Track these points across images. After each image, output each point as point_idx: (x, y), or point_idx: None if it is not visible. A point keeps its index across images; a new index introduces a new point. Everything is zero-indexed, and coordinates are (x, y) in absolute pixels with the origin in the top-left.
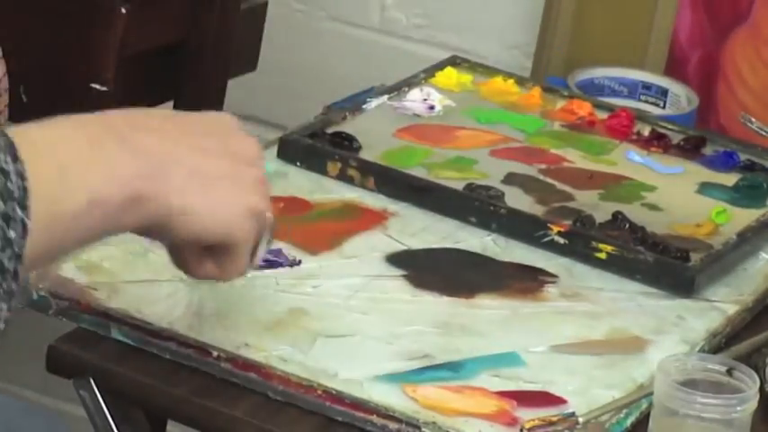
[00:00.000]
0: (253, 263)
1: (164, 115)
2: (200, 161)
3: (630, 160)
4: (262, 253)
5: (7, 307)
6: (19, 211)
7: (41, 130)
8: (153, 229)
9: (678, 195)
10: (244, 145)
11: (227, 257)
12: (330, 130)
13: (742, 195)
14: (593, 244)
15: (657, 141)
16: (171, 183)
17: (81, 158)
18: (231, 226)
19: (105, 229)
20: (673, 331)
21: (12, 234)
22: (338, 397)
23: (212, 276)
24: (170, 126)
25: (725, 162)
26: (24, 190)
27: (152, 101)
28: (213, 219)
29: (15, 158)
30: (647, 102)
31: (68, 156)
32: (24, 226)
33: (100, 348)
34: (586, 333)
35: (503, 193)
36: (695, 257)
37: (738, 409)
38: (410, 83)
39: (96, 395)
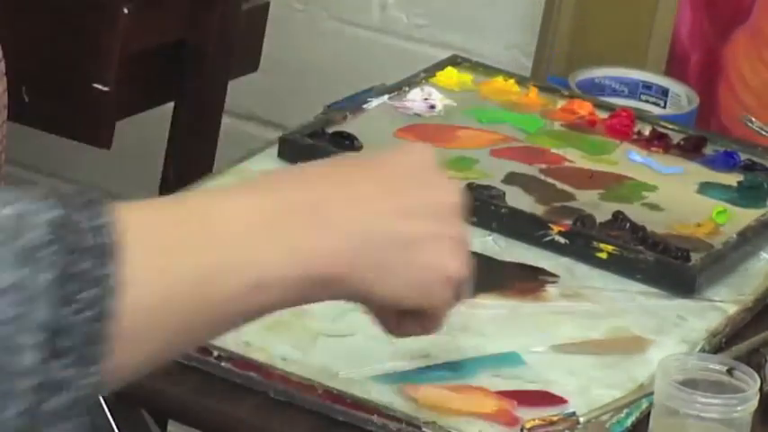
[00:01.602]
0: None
1: (363, 171)
2: (402, 226)
3: (631, 160)
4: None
5: (93, 371)
6: (106, 267)
7: (208, 198)
8: (343, 299)
9: (679, 195)
10: (445, 193)
11: (426, 318)
12: (330, 130)
13: (742, 195)
14: (594, 244)
15: (658, 141)
16: (367, 259)
17: (250, 234)
18: (430, 295)
19: (276, 308)
20: (673, 331)
21: (95, 292)
22: (339, 396)
23: (413, 334)
24: (371, 187)
25: (725, 162)
26: (114, 245)
27: (153, 101)
28: (410, 288)
29: (99, 214)
30: (647, 101)
31: (231, 231)
32: (115, 284)
33: None
34: (587, 333)
35: (503, 193)
36: (696, 257)
37: (739, 408)
38: (411, 82)
39: None
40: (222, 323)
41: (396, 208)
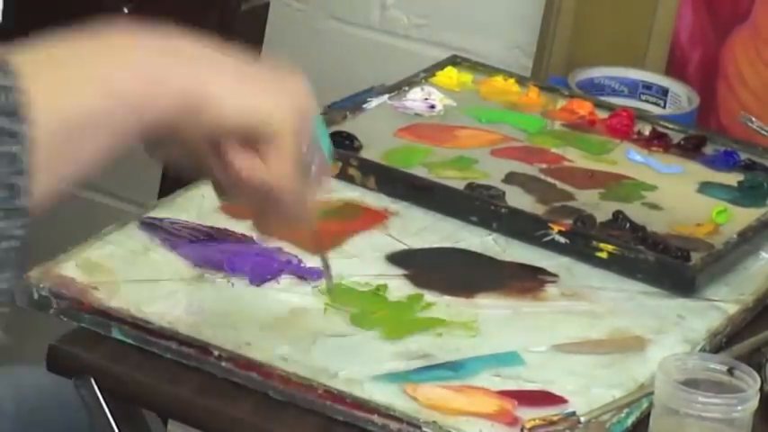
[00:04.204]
0: (305, 172)
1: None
2: (240, 64)
3: (631, 160)
4: (316, 162)
5: (22, 223)
6: (20, 125)
7: (45, 46)
8: (181, 120)
9: (679, 195)
10: (290, 73)
11: (271, 151)
12: (331, 130)
13: (743, 195)
14: (594, 243)
15: (658, 141)
16: (203, 72)
17: (92, 57)
18: (270, 112)
19: (127, 126)
20: (673, 331)
21: (15, 149)
22: (339, 396)
23: (257, 171)
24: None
25: (725, 161)
26: (22, 103)
27: None
28: (250, 102)
29: (9, 72)
30: (647, 101)
31: (78, 60)
32: (28, 139)
33: (100, 348)
34: (587, 333)
35: (503, 193)
36: (696, 257)
37: (739, 408)
38: (411, 82)
39: (97, 395)
40: (106, 135)
41: (235, 57)
